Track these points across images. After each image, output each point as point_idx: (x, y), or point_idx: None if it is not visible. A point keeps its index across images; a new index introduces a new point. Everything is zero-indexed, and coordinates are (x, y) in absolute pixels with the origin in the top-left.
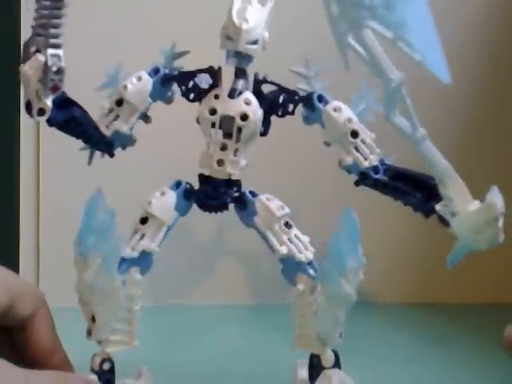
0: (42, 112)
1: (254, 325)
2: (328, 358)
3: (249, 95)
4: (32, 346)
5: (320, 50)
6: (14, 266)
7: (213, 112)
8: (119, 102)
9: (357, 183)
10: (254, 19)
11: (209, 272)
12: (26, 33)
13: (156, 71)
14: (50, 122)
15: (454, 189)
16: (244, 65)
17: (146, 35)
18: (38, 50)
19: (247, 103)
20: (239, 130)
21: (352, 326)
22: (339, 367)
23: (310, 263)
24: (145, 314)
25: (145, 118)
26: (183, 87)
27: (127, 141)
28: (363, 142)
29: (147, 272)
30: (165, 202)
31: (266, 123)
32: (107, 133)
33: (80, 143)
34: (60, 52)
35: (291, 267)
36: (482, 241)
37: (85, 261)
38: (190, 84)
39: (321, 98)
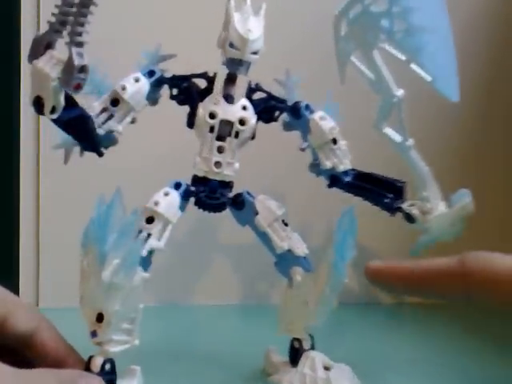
0: (53, 110)
1: (250, 325)
2: (308, 341)
3: (245, 102)
4: (44, 358)
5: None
6: (13, 266)
7: (212, 116)
8: (114, 102)
9: (330, 186)
10: (257, 30)
11: (207, 272)
12: (26, 33)
13: (151, 73)
14: (56, 120)
15: (431, 190)
16: (243, 72)
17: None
18: (49, 47)
19: (244, 109)
20: (236, 134)
21: (354, 327)
22: (314, 349)
23: (305, 257)
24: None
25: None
26: (174, 90)
27: (111, 141)
28: (339, 148)
29: (148, 271)
30: (170, 202)
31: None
32: (100, 132)
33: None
34: (83, 50)
35: (287, 261)
36: (452, 233)
37: (102, 261)
38: (183, 87)
39: (307, 107)
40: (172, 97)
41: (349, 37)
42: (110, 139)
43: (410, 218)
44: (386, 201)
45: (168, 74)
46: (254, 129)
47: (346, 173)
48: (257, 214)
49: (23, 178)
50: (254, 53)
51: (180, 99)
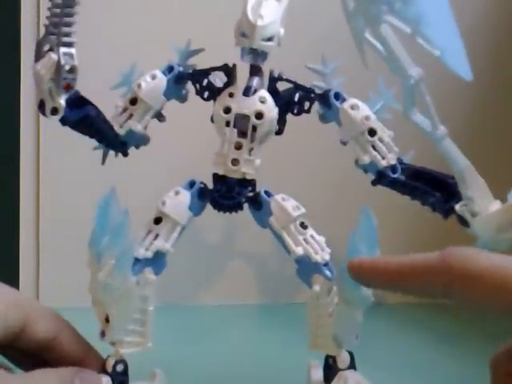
0: (55, 111)
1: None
2: (344, 359)
3: (264, 93)
4: (64, 360)
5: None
6: (13, 266)
7: (227, 110)
8: (133, 101)
9: (374, 183)
10: (269, 16)
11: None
12: (26, 33)
13: (170, 69)
14: (63, 121)
15: (475, 188)
16: (259, 62)
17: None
18: (51, 49)
19: (262, 101)
20: (254, 128)
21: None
22: (355, 368)
23: (326, 264)
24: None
25: (159, 116)
26: (197, 85)
27: (141, 140)
28: (381, 140)
29: (161, 272)
30: (179, 202)
31: (282, 122)
32: (121, 132)
33: (87, 142)
34: (73, 50)
35: (307, 268)
36: (505, 241)
37: (99, 261)
38: (205, 82)
39: (337, 96)
40: (197, 92)
41: (356, 12)
42: (140, 139)
43: (464, 221)
44: (432, 200)
45: (189, 70)
46: (273, 122)
47: (393, 168)
48: (271, 214)
49: (23, 178)
50: (268, 39)
51: (204, 95)
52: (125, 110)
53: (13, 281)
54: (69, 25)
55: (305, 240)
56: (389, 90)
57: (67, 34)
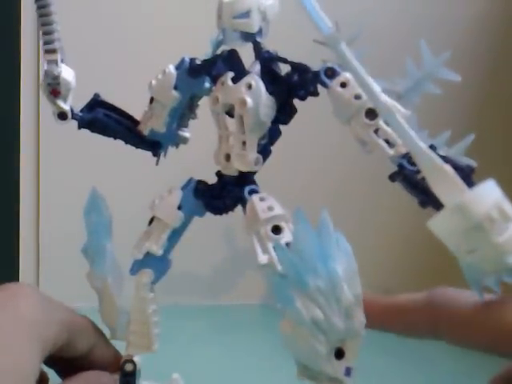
0: (63, 116)
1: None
2: None
3: (251, 78)
4: (97, 367)
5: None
6: (14, 266)
7: (216, 101)
8: (151, 100)
9: (392, 178)
10: None
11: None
12: (26, 33)
13: (182, 63)
14: (78, 125)
15: (439, 182)
16: (242, 43)
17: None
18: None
19: (248, 87)
20: (241, 118)
21: None
22: None
23: None
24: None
25: (191, 114)
26: (210, 77)
27: (174, 139)
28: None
29: (163, 274)
30: (167, 203)
31: (289, 109)
32: (145, 132)
33: (87, 142)
34: (56, 57)
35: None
36: (487, 267)
37: (88, 261)
38: (214, 72)
39: (331, 72)
40: (214, 85)
41: None
42: (172, 138)
43: None
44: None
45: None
46: (261, 110)
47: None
48: (244, 216)
49: (23, 178)
50: (242, 16)
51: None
52: (149, 109)
53: (13, 281)
54: (48, 32)
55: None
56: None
57: (48, 42)
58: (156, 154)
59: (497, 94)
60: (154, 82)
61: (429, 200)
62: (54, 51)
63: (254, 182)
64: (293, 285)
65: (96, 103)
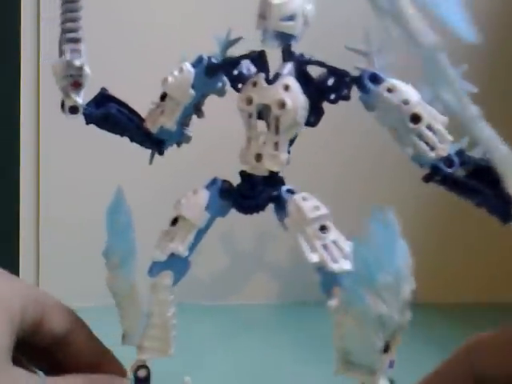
0: (74, 110)
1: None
2: None
3: (288, 80)
4: (77, 359)
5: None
6: (14, 266)
7: (249, 101)
8: (163, 97)
9: (426, 179)
10: None
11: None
12: (26, 33)
13: (199, 61)
14: (87, 120)
15: None
16: (282, 45)
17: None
18: None
19: (285, 89)
20: (277, 119)
21: None
22: None
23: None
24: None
25: (197, 112)
26: (229, 77)
27: (180, 137)
28: (429, 127)
29: (183, 275)
30: (195, 202)
31: (317, 111)
32: (153, 130)
33: (87, 142)
34: (80, 46)
35: (326, 279)
36: None
37: (106, 263)
38: (235, 72)
39: (374, 77)
40: (231, 84)
41: None
42: (178, 136)
43: None
44: (497, 204)
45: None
46: (298, 112)
47: (448, 161)
48: (287, 216)
49: (23, 178)
50: (288, 19)
51: (237, 86)
52: (158, 106)
53: None
54: (73, 20)
55: (324, 246)
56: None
57: (72, 30)
58: (161, 152)
59: (497, 94)
60: (170, 78)
61: (484, 199)
62: (78, 40)
63: (283, 182)
64: (363, 281)
65: (104, 98)
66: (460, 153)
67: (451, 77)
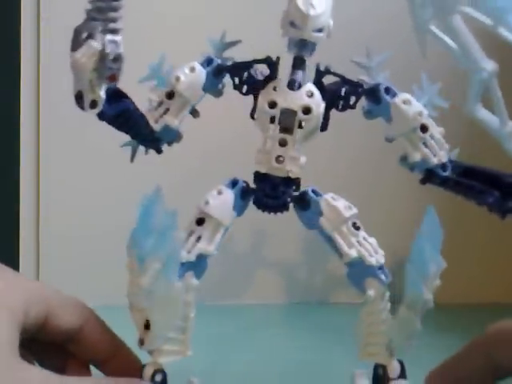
0: (94, 105)
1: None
2: (395, 369)
3: (311, 87)
4: (91, 354)
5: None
6: (14, 266)
7: (272, 105)
8: (170, 95)
9: (423, 181)
10: (321, 5)
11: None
12: (26, 33)
13: (209, 62)
14: (101, 116)
15: None
16: (307, 54)
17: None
18: (90, 36)
19: (309, 95)
20: (300, 124)
21: None
22: (405, 378)
23: (380, 267)
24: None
25: (193, 111)
26: (236, 79)
27: (174, 136)
28: (432, 137)
29: (202, 275)
30: (223, 202)
31: (326, 117)
32: (156, 128)
33: (87, 142)
34: (118, 38)
35: (360, 271)
36: None
37: (142, 265)
38: (245, 76)
39: (388, 90)
40: (235, 87)
41: (425, 2)
42: (174, 135)
43: None
44: (491, 200)
45: (228, 62)
46: (320, 118)
47: (443, 166)
48: (321, 215)
49: (23, 178)
50: (319, 30)
51: (243, 89)
52: (160, 104)
53: None
54: (116, 9)
55: (358, 242)
56: (432, 86)
57: (114, 20)
58: (159, 151)
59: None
60: (182, 77)
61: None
62: (117, 31)
63: (299, 183)
64: (419, 271)
65: (114, 93)
66: (449, 159)
67: (499, 98)
